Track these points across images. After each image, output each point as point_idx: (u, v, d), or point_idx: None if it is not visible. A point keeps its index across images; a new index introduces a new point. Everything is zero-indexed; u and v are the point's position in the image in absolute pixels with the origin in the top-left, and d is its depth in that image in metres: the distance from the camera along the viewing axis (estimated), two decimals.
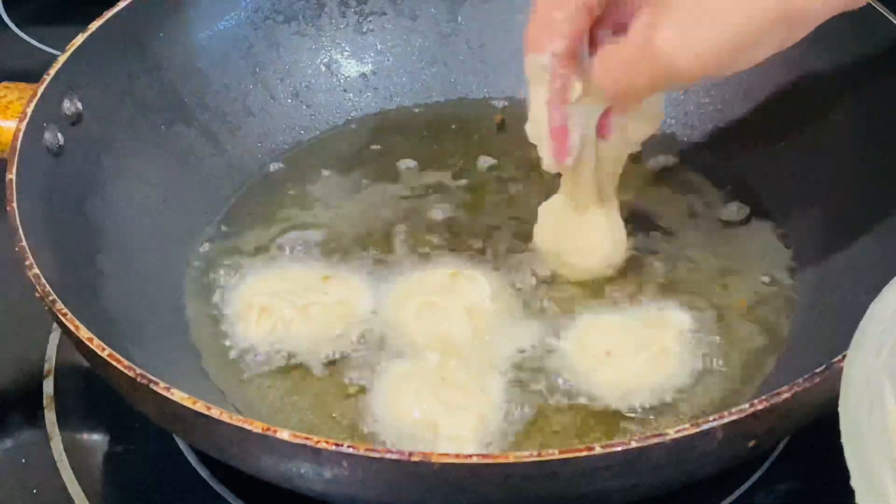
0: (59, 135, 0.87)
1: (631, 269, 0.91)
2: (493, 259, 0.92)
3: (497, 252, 0.93)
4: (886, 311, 0.63)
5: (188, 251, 0.94)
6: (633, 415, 0.81)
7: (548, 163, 0.83)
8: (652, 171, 1.00)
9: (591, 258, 0.89)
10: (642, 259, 0.92)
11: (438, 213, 0.97)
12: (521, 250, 0.92)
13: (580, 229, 0.88)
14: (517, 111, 0.98)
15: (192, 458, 0.85)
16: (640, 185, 0.98)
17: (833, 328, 0.83)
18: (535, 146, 0.84)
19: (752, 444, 0.70)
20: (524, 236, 0.93)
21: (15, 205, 0.80)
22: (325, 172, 1.01)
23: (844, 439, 0.59)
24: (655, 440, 0.65)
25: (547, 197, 0.91)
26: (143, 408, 0.74)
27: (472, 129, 1.05)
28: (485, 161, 1.02)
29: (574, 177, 0.86)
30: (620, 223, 0.89)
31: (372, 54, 1.08)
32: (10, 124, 0.86)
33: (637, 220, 0.94)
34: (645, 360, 0.83)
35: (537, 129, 0.83)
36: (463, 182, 1.00)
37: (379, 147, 1.04)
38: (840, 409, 0.60)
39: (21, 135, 0.84)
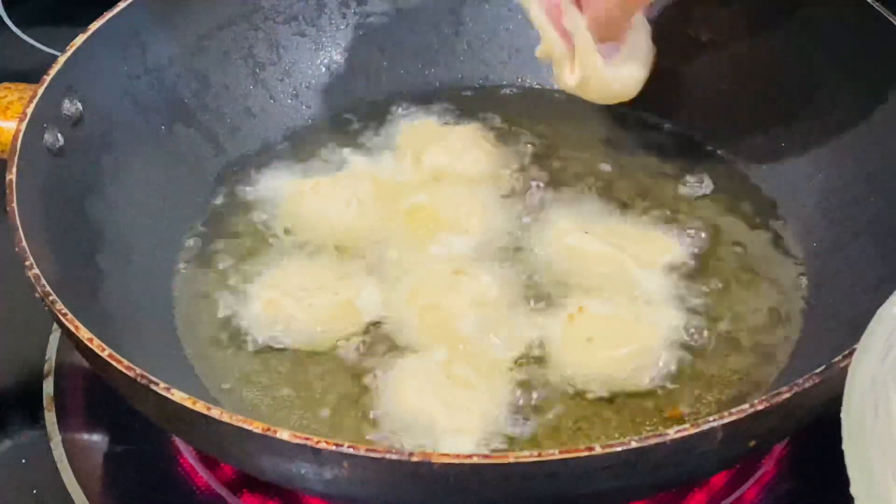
0: (59, 135, 0.87)
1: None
2: (496, 256, 0.92)
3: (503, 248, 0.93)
4: (894, 316, 0.62)
5: (188, 251, 0.94)
6: (634, 413, 0.81)
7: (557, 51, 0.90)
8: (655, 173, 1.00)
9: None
10: None
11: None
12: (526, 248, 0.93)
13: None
14: (547, 142, 1.01)
15: (192, 458, 0.85)
16: (642, 181, 0.99)
17: (833, 328, 0.83)
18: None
19: (752, 444, 0.70)
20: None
21: (15, 205, 0.80)
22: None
23: (846, 445, 0.59)
24: (655, 440, 0.65)
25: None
26: (143, 408, 0.74)
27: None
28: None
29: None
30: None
31: (372, 54, 1.08)
32: (10, 124, 0.86)
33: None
34: (626, 355, 0.83)
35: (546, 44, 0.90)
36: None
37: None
38: (843, 414, 0.60)
39: (21, 135, 0.84)
